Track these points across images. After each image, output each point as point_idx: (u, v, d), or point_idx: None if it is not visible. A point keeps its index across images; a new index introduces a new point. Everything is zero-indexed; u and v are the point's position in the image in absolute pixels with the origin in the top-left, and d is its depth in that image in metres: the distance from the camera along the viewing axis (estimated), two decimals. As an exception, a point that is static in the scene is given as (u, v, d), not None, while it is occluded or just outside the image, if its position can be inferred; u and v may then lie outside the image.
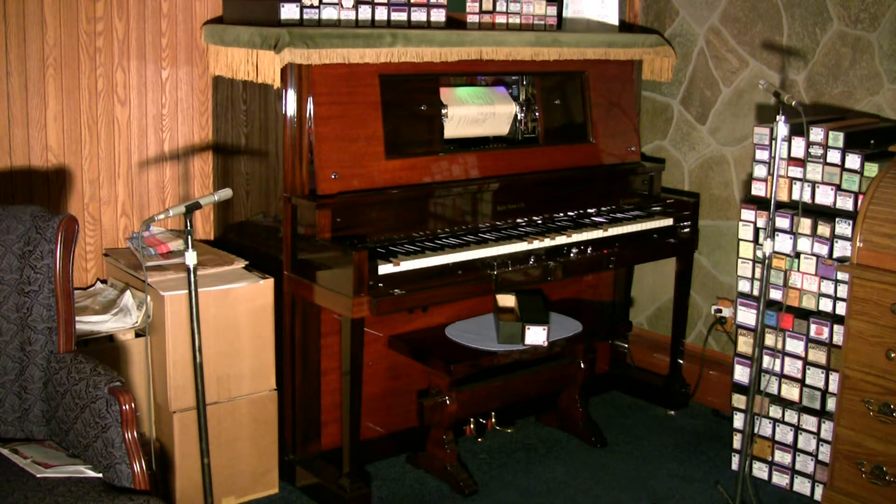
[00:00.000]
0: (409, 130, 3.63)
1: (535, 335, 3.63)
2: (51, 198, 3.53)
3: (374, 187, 3.47)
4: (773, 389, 3.64)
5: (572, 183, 4.05)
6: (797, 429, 3.60)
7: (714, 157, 4.37)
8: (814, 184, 3.48)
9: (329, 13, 3.48)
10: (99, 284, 3.63)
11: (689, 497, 3.63)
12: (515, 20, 4.04)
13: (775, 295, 3.61)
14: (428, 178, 3.62)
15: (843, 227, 3.38)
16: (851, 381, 3.30)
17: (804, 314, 3.53)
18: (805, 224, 3.48)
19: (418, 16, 3.68)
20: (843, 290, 3.39)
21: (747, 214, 3.66)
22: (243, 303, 3.37)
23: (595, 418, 4.23)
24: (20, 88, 3.40)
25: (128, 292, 3.36)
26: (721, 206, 4.36)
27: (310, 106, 3.36)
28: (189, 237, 2.67)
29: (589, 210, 4.08)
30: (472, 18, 3.92)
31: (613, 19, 4.36)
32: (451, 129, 3.75)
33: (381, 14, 3.60)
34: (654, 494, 3.64)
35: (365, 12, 3.56)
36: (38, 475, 2.48)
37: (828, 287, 3.45)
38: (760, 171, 3.63)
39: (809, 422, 3.55)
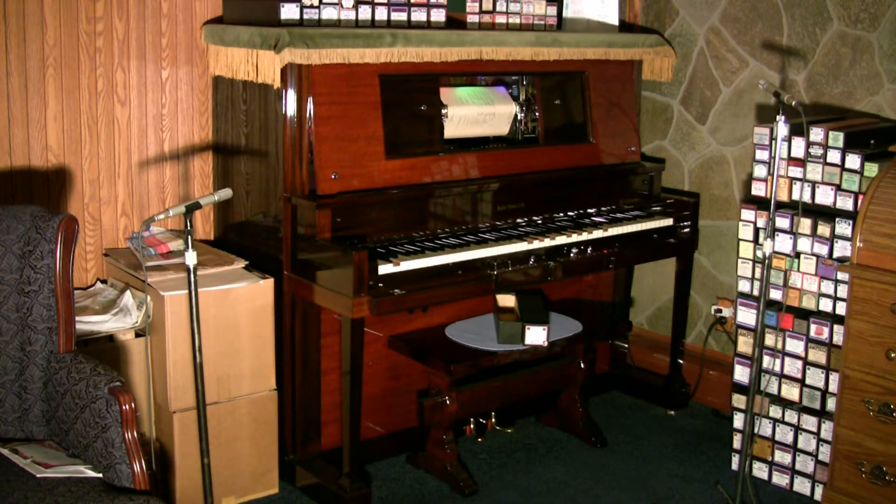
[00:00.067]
0: (409, 130, 3.63)
1: (535, 335, 3.63)
2: (51, 198, 3.53)
3: (374, 187, 3.47)
4: (773, 389, 3.64)
5: (572, 183, 4.05)
6: (797, 429, 3.60)
7: (714, 157, 4.37)
8: (814, 184, 3.48)
9: (329, 13, 3.48)
10: (99, 284, 3.63)
11: (689, 497, 3.63)
12: (515, 20, 4.04)
13: (775, 295, 3.61)
14: (428, 178, 3.62)
15: (843, 227, 3.38)
16: (851, 381, 3.30)
17: (804, 314, 3.53)
18: (805, 224, 3.48)
19: (418, 16, 3.68)
20: (843, 290, 3.39)
21: (747, 214, 3.67)
22: (243, 303, 3.37)
23: (595, 418, 4.23)
24: (20, 88, 3.40)
25: (128, 292, 3.36)
26: (721, 206, 4.36)
27: (310, 106, 3.36)
28: (189, 237, 2.67)
29: (589, 210, 4.08)
30: (472, 18, 3.92)
31: (613, 19, 4.36)
32: (451, 129, 3.75)
33: (381, 14, 3.60)
34: (654, 494, 3.64)
35: (365, 12, 3.56)
36: (38, 475, 2.48)
37: (828, 287, 3.45)
38: (760, 171, 3.63)
39: (809, 422, 3.55)
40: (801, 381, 3.55)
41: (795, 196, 3.52)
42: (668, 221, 4.14)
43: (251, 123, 3.58)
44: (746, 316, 3.69)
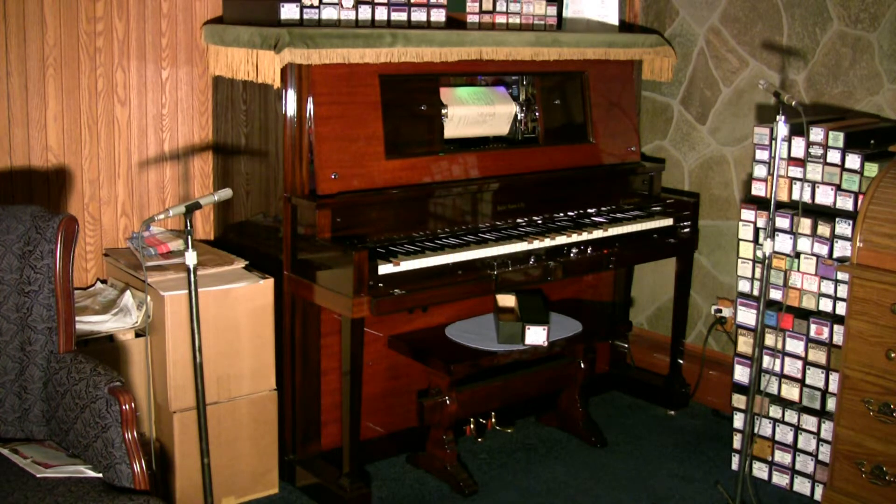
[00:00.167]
0: (409, 130, 3.63)
1: (535, 335, 3.63)
2: (51, 198, 3.53)
3: (374, 187, 3.47)
4: (773, 389, 3.63)
5: (572, 183, 4.05)
6: (797, 429, 3.60)
7: (714, 157, 4.37)
8: (814, 184, 3.48)
9: (329, 13, 3.48)
10: (99, 284, 3.63)
11: (689, 497, 3.63)
12: (515, 20, 4.04)
13: (775, 295, 3.61)
14: (428, 178, 3.62)
15: (843, 227, 3.38)
16: (851, 381, 3.30)
17: (804, 314, 3.53)
18: (805, 224, 3.48)
19: (418, 16, 3.68)
20: (843, 290, 3.39)
21: (747, 214, 3.67)
22: (243, 303, 3.37)
23: (595, 418, 4.23)
24: (20, 88, 3.40)
25: (128, 292, 3.36)
26: (721, 206, 4.36)
27: (310, 106, 3.36)
28: (189, 237, 2.67)
29: (589, 210, 4.08)
30: (472, 18, 3.92)
31: (613, 19, 4.36)
32: (451, 129, 3.75)
33: (381, 14, 3.60)
34: (654, 494, 3.64)
35: (365, 12, 3.56)
36: (38, 475, 2.48)
37: (828, 287, 3.45)
38: (760, 171, 3.63)
39: (809, 422, 3.55)
40: (801, 381, 3.55)
41: (795, 196, 3.52)
42: (668, 221, 4.14)
43: (251, 123, 3.58)
44: (746, 316, 3.69)
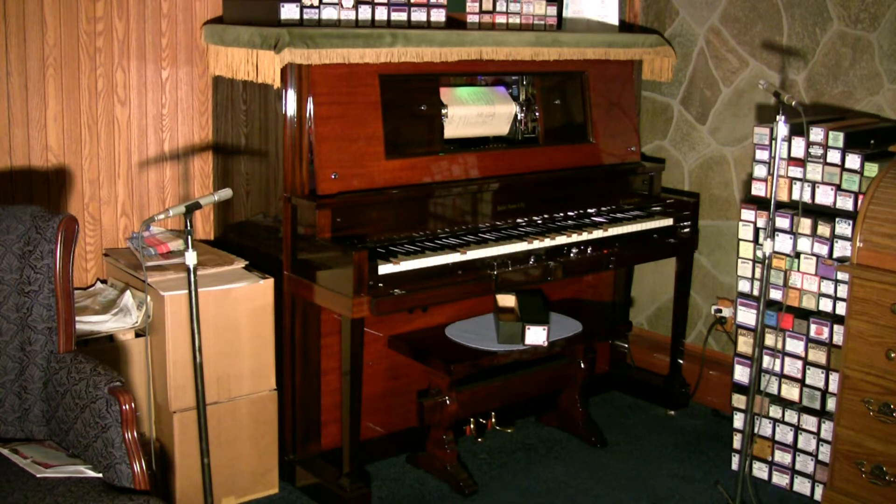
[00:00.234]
0: (409, 130, 3.63)
1: (535, 335, 3.63)
2: (51, 198, 3.53)
3: (374, 187, 3.47)
4: (773, 389, 3.63)
5: (572, 183, 4.05)
6: (797, 429, 3.60)
7: (714, 157, 4.37)
8: (814, 184, 3.48)
9: (329, 13, 3.48)
10: (99, 284, 3.63)
11: (689, 497, 3.63)
12: (515, 20, 4.04)
13: (775, 295, 3.61)
14: (428, 178, 3.62)
15: (843, 227, 3.38)
16: (851, 381, 3.30)
17: (804, 314, 3.53)
18: (805, 224, 3.48)
19: (418, 16, 3.68)
20: (843, 290, 3.39)
21: (747, 214, 3.66)
22: (243, 303, 3.37)
23: (595, 418, 4.23)
24: (20, 88, 3.40)
25: (128, 292, 3.36)
26: (721, 206, 4.36)
27: (310, 106, 3.36)
28: (189, 237, 2.67)
29: (589, 210, 4.08)
30: (472, 18, 3.92)
31: (613, 19, 4.36)
32: (451, 130, 3.75)
33: (381, 14, 3.60)
34: (654, 494, 3.64)
35: (365, 12, 3.56)
36: (38, 475, 2.48)
37: (828, 287, 3.45)
38: (760, 171, 3.63)
39: (809, 422, 3.55)
40: (801, 381, 3.55)
41: (795, 196, 3.52)
42: (668, 221, 4.14)
43: (251, 123, 3.58)
44: (746, 316, 3.69)
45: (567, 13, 4.41)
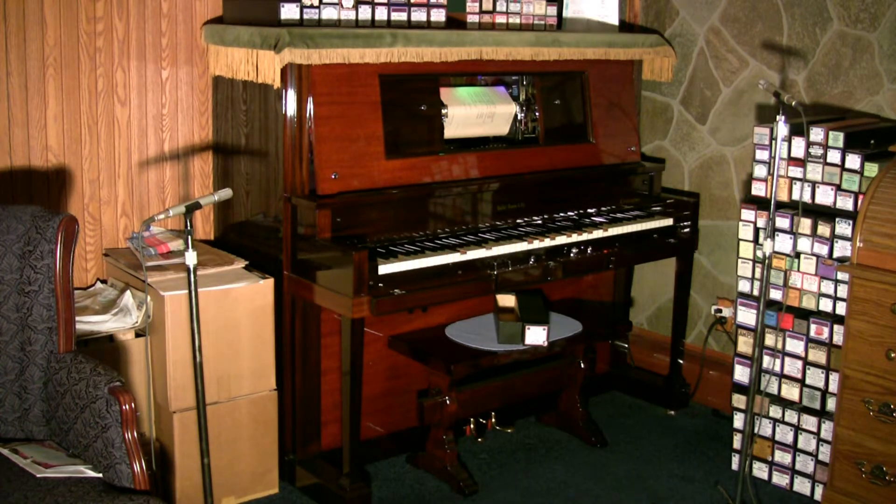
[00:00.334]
0: (409, 130, 3.63)
1: (535, 335, 3.63)
2: (51, 198, 3.53)
3: (374, 187, 3.47)
4: (773, 389, 3.64)
5: (572, 183, 4.05)
6: (797, 429, 3.60)
7: (714, 157, 4.37)
8: (814, 184, 3.48)
9: (329, 13, 3.48)
10: (99, 284, 3.63)
11: (689, 497, 3.63)
12: (515, 20, 4.04)
13: (775, 295, 3.61)
14: (428, 178, 3.62)
15: (843, 227, 3.38)
16: (851, 381, 3.30)
17: (804, 314, 3.53)
18: (805, 224, 3.48)
19: (418, 16, 3.68)
20: (843, 290, 3.39)
21: (747, 214, 3.66)
22: (243, 303, 3.37)
23: (595, 418, 4.23)
24: (20, 88, 3.40)
25: (128, 292, 3.36)
26: (721, 206, 4.36)
27: (310, 106, 3.36)
28: (189, 237, 2.67)
29: (589, 210, 4.08)
30: (472, 18, 3.92)
31: (613, 19, 4.36)
32: (451, 130, 3.75)
33: (381, 14, 3.60)
34: (654, 494, 3.64)
35: (365, 12, 3.56)
36: (38, 475, 2.48)
37: (828, 287, 3.45)
38: (760, 171, 3.63)
39: (809, 422, 3.55)
40: (801, 381, 3.55)
41: (795, 196, 3.52)
42: (668, 221, 4.14)
43: (251, 123, 3.58)
44: (746, 316, 3.69)
45: (567, 13, 4.41)
